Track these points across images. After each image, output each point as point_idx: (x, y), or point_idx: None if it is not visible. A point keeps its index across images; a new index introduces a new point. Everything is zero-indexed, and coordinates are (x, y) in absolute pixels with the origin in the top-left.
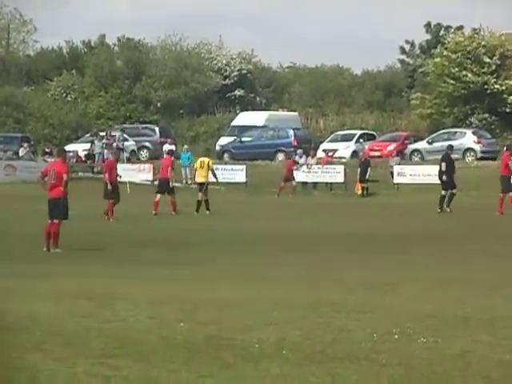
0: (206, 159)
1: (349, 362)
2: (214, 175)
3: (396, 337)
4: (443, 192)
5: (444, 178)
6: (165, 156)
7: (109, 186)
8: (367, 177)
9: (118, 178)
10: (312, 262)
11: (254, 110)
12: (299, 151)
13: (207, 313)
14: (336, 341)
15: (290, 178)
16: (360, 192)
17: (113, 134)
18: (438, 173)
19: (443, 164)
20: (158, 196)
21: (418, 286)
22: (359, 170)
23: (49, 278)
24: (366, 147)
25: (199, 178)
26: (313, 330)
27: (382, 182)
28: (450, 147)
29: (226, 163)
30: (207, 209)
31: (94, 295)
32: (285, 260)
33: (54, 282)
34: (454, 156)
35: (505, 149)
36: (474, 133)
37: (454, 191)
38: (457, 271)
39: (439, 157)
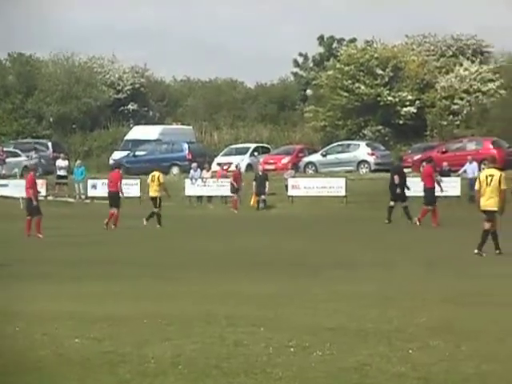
0: (157, 173)
1: (245, 376)
2: (165, 190)
3: (292, 350)
4: (392, 203)
5: (398, 190)
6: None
7: (34, 202)
8: (266, 190)
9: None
10: (206, 277)
11: (147, 124)
12: (194, 165)
13: (102, 329)
14: (231, 355)
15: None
16: (256, 205)
17: (5, 149)
18: (389, 184)
19: (396, 177)
20: (114, 210)
21: (313, 299)
22: (255, 183)
23: None
24: (261, 160)
25: (151, 193)
26: (208, 345)
27: (277, 194)
28: (400, 158)
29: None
30: (159, 223)
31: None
32: (178, 276)
33: None
34: (347, 168)
35: (425, 163)
36: (367, 145)
37: (405, 204)
38: (349, 284)
39: (333, 169)
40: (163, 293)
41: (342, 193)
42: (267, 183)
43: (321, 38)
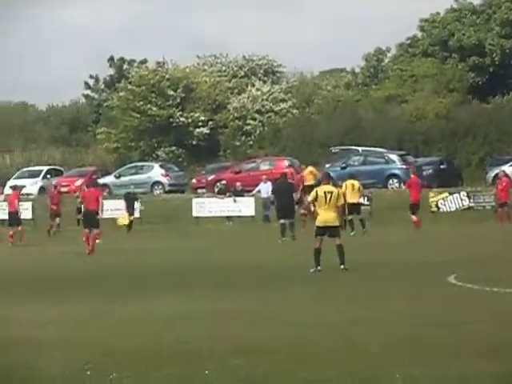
0: None
1: None
2: None
3: (88, 373)
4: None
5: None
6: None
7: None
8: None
9: None
10: None
11: None
12: None
13: None
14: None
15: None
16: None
17: None
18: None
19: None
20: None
21: (110, 321)
22: (125, 203)
23: None
24: (54, 182)
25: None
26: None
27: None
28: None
29: None
30: None
31: None
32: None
33: None
34: (141, 190)
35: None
36: (161, 166)
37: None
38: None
39: (128, 190)
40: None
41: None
42: (136, 202)
43: (111, 59)
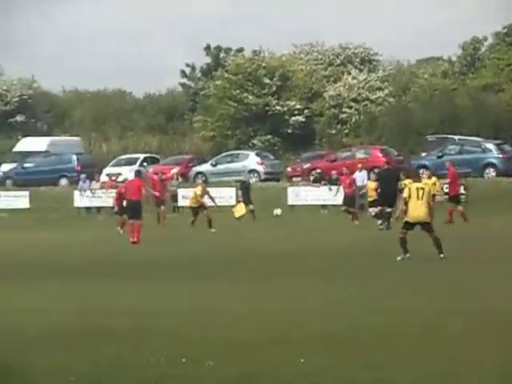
0: None
1: None
2: None
3: (184, 360)
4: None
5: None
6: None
7: None
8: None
9: None
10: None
11: (35, 135)
12: (82, 176)
13: None
14: (123, 367)
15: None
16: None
17: None
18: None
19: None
20: (131, 221)
21: (203, 309)
22: (241, 192)
23: None
24: (150, 170)
25: None
26: (88, 357)
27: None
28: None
29: (8, 190)
30: None
31: None
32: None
33: None
34: (237, 178)
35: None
36: (257, 154)
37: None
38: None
39: (224, 179)
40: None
41: (233, 202)
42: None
43: (207, 47)
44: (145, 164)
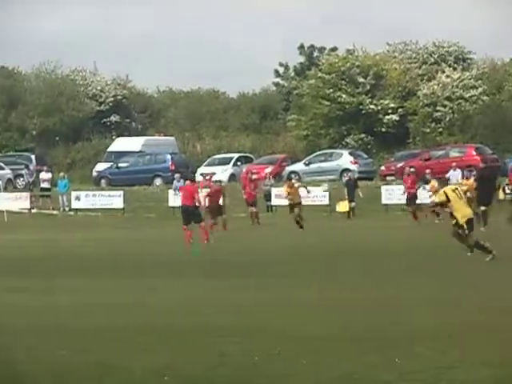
0: None
1: None
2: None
3: (277, 359)
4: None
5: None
6: (186, 182)
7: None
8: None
9: None
10: (185, 286)
11: (130, 135)
12: (177, 176)
13: (86, 340)
14: (218, 365)
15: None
16: (347, 212)
17: None
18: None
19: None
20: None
21: (302, 307)
22: (346, 189)
23: None
24: (244, 170)
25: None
26: (195, 356)
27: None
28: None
29: (103, 189)
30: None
31: None
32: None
33: None
34: (330, 177)
35: None
36: (350, 153)
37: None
38: (338, 291)
39: (317, 178)
40: (143, 303)
41: (326, 201)
42: (356, 190)
43: (301, 47)
44: (238, 163)
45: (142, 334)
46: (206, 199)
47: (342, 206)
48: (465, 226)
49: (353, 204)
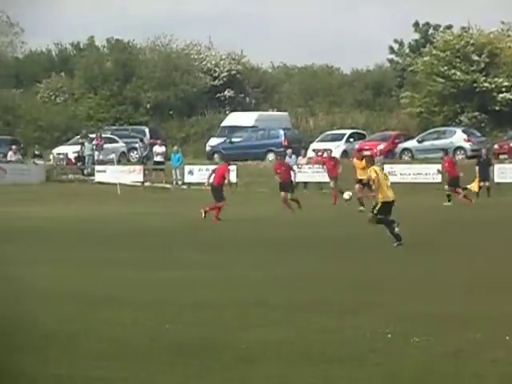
0: None
1: (339, 362)
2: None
3: (389, 336)
4: None
5: None
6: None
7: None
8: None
9: None
10: (308, 261)
11: (243, 110)
12: (289, 151)
13: (200, 314)
14: (326, 342)
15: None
16: (477, 191)
17: (103, 135)
18: None
19: None
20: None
21: (407, 283)
22: (478, 168)
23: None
24: (356, 146)
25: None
26: (304, 332)
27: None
28: None
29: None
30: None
31: (88, 298)
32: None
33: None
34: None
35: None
36: (463, 131)
37: None
38: (439, 268)
39: (429, 155)
40: (268, 279)
41: (438, 179)
42: (491, 168)
43: (416, 24)
44: (351, 140)
45: (256, 308)
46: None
47: (474, 185)
48: None
49: (487, 183)
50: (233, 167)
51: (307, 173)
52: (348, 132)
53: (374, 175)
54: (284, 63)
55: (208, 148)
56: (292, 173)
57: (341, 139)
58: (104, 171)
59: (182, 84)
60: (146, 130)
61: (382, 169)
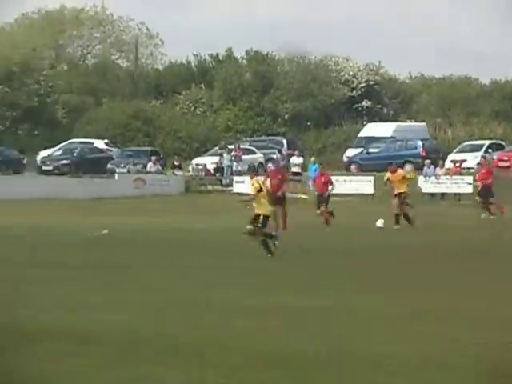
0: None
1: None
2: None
3: None
4: None
5: None
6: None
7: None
8: None
9: None
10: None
11: (381, 121)
12: (427, 162)
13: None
14: (451, 351)
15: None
16: None
17: (241, 146)
18: None
19: None
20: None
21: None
22: None
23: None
24: (495, 158)
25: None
26: (426, 342)
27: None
28: None
29: (353, 174)
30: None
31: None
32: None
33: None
34: None
35: None
36: None
37: None
38: None
39: None
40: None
41: None
42: None
43: None
44: (489, 150)
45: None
46: None
47: None
48: None
49: None
50: (370, 178)
51: (445, 184)
52: (487, 143)
53: None
54: (422, 73)
55: (345, 159)
56: (330, 186)
57: (479, 150)
58: (242, 182)
59: (320, 95)
60: (284, 141)
61: None
